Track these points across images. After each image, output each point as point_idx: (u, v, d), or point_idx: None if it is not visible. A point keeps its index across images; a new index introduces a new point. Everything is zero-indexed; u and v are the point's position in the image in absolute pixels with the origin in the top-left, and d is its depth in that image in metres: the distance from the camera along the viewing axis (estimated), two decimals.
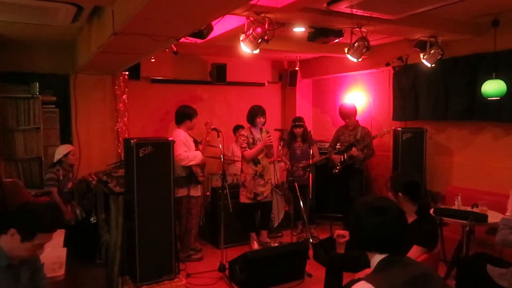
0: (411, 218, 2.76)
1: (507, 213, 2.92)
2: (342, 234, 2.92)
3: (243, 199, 4.86)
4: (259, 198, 4.82)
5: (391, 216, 1.61)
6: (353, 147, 5.17)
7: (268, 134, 4.83)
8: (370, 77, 6.22)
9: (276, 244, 4.96)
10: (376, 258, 1.61)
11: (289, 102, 7.30)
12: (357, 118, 5.51)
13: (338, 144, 5.53)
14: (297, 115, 6.28)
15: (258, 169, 4.82)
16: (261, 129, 4.92)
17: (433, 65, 4.67)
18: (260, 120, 4.80)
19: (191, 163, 4.49)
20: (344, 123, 5.53)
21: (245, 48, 3.69)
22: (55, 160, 4.65)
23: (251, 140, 4.82)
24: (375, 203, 1.65)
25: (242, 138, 4.84)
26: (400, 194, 2.80)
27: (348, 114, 5.42)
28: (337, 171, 5.33)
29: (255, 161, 4.81)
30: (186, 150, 4.48)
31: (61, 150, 4.69)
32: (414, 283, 1.53)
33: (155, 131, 5.99)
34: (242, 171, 4.94)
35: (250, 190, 4.81)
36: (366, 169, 5.87)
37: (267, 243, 5.01)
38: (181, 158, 4.41)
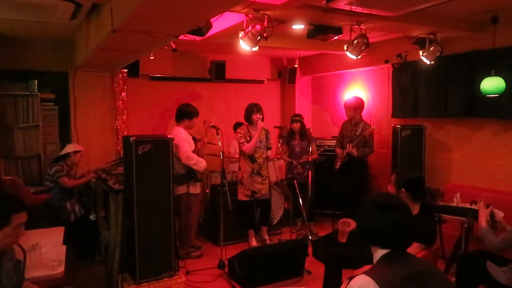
0: None
1: (483, 224, 3.01)
2: (348, 222, 2.91)
3: (241, 196, 4.87)
4: (257, 195, 4.82)
5: (399, 214, 1.64)
6: (348, 144, 5.15)
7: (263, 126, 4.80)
8: (370, 74, 6.21)
9: (275, 242, 4.96)
10: (379, 253, 1.64)
11: (288, 99, 7.29)
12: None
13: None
14: (296, 112, 6.30)
15: (255, 166, 4.82)
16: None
17: (432, 62, 4.67)
18: (256, 116, 4.77)
19: (194, 167, 4.50)
20: (347, 117, 5.42)
21: (244, 46, 3.70)
22: (62, 153, 4.69)
23: (248, 138, 4.81)
24: (385, 201, 1.68)
25: (239, 135, 4.84)
26: (403, 190, 2.81)
27: (355, 106, 5.26)
28: (337, 166, 5.33)
29: (251, 158, 4.81)
30: (189, 149, 4.49)
31: (73, 146, 4.76)
32: (412, 278, 1.54)
33: (154, 129, 5.99)
34: (239, 169, 4.95)
35: (247, 187, 4.82)
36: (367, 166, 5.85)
37: (265, 240, 5.02)
38: (190, 157, 4.41)
